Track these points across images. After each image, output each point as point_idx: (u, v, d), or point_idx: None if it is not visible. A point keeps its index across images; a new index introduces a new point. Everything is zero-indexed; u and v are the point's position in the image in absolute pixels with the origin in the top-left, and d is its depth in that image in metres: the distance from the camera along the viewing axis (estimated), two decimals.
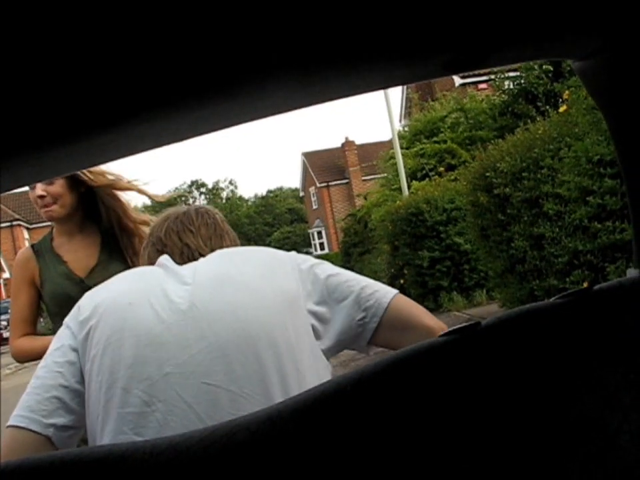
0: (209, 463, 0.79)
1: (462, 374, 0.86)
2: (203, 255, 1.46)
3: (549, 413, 0.85)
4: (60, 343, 1.31)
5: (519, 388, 0.86)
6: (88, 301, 1.35)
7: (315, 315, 1.35)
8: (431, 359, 0.88)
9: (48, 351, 1.33)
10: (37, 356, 2.56)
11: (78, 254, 2.52)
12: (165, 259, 1.42)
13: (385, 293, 1.45)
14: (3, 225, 37.63)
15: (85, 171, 2.42)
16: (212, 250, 1.47)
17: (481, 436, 0.83)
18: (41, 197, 2.45)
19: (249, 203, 74.96)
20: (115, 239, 2.57)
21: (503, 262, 7.71)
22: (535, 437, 0.84)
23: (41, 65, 0.62)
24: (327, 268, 1.48)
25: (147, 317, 1.25)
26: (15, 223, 37.73)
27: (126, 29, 0.60)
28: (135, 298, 1.29)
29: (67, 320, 1.35)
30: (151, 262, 1.48)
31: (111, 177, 2.49)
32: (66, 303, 2.42)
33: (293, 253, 1.49)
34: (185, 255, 1.48)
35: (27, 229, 37.90)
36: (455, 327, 0.90)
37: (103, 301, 1.32)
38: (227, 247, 1.51)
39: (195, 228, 1.52)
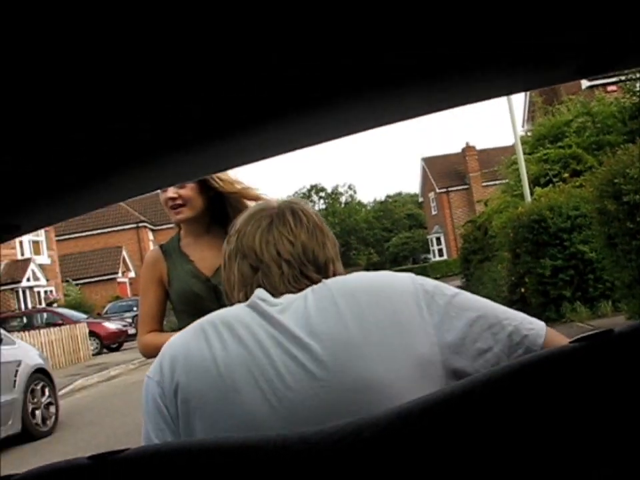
0: (338, 457, 0.81)
1: (593, 381, 0.84)
2: (306, 276, 1.30)
3: None
4: (154, 421, 1.19)
5: None
6: (180, 371, 1.18)
7: (454, 373, 1.18)
8: (562, 365, 0.86)
9: (144, 421, 1.22)
10: None
11: (204, 254, 2.60)
12: (261, 296, 1.24)
13: (534, 337, 1.22)
14: (129, 226, 39.25)
15: (215, 176, 2.51)
16: (315, 264, 1.31)
17: (611, 446, 0.80)
18: (172, 199, 2.56)
19: (368, 208, 75.14)
20: None
21: (631, 272, 7.43)
22: None
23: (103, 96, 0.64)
24: (465, 307, 1.24)
25: (254, 402, 1.12)
26: (140, 224, 39.32)
27: (236, 41, 0.61)
28: (239, 377, 1.13)
29: (155, 388, 1.20)
30: (244, 281, 1.32)
31: (239, 186, 2.57)
32: (193, 301, 2.53)
33: (422, 284, 1.26)
34: (286, 277, 1.29)
35: (152, 230, 39.42)
36: (585, 334, 0.87)
37: (199, 379, 1.15)
38: (330, 257, 1.34)
39: (294, 236, 1.31)
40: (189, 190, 2.56)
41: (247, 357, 1.15)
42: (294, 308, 1.21)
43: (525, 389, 0.84)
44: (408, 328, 1.18)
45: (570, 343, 0.88)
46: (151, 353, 2.67)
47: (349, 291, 1.22)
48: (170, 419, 1.17)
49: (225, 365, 1.15)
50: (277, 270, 1.29)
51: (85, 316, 26.03)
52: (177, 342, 1.23)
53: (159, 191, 2.58)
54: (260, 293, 1.25)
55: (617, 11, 0.79)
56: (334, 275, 1.33)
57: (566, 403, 0.83)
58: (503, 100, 15.86)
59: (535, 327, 1.24)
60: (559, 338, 1.24)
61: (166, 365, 1.19)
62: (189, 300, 2.54)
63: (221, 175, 2.52)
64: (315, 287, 1.25)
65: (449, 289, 1.28)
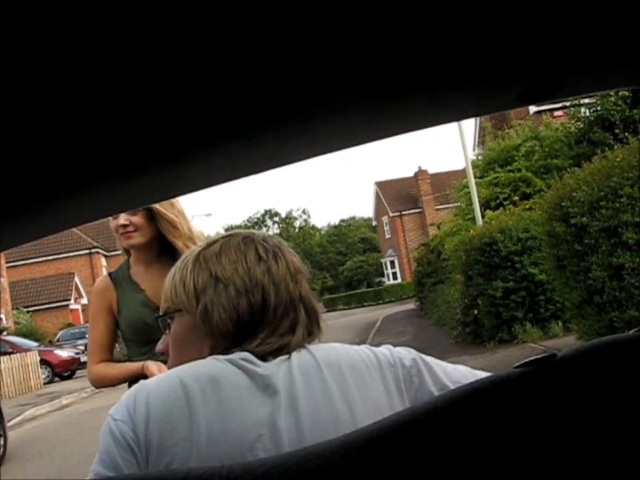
0: None
1: (537, 406, 0.85)
2: (284, 315, 1.23)
3: (625, 450, 0.83)
4: (119, 453, 1.10)
5: (594, 422, 0.84)
6: (155, 427, 1.10)
7: None
8: (506, 390, 0.87)
9: None
10: (113, 382, 2.63)
11: (155, 282, 2.58)
12: (248, 358, 1.17)
13: None
14: (81, 252, 38.68)
15: (156, 207, 2.51)
16: (291, 302, 1.25)
17: (555, 469, 0.82)
18: (124, 225, 2.54)
19: (322, 232, 75.24)
20: None
21: (580, 293, 7.54)
22: (610, 472, 0.81)
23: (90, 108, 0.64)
24: (438, 377, 1.24)
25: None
26: (93, 250, 38.77)
27: (196, 59, 0.62)
28: (224, 449, 1.07)
29: (126, 430, 1.11)
30: (238, 316, 1.21)
31: (171, 215, 2.56)
32: (142, 330, 2.50)
33: (401, 362, 1.25)
34: (271, 317, 1.22)
35: (105, 256, 38.89)
36: (530, 359, 0.89)
37: (178, 444, 1.08)
38: (305, 292, 1.29)
39: (268, 267, 1.25)
40: (140, 217, 2.55)
41: (235, 428, 1.09)
42: (282, 376, 1.16)
43: (470, 415, 0.85)
44: (383, 400, 1.17)
45: (515, 367, 0.89)
46: (101, 383, 2.65)
47: (335, 364, 1.19)
48: (138, 461, 1.09)
49: (208, 435, 1.08)
50: (258, 307, 1.22)
51: (36, 344, 25.48)
52: (152, 391, 1.14)
53: (109, 217, 2.56)
54: (246, 355, 1.18)
55: (558, 41, 0.81)
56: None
57: (511, 427, 0.84)
58: (454, 125, 16.08)
59: None
60: None
61: (140, 415, 1.11)
62: (139, 329, 2.52)
63: (166, 204, 2.52)
64: (298, 353, 1.21)
65: (425, 362, 1.27)
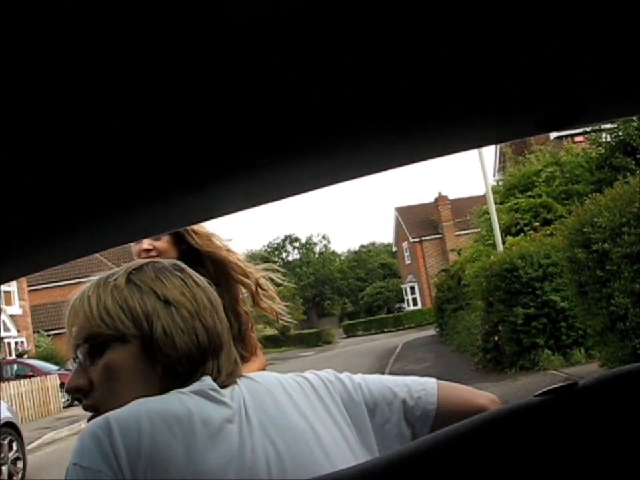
0: None
1: (557, 435, 0.84)
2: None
3: None
4: None
5: (616, 452, 0.83)
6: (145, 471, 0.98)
7: (368, 448, 1.19)
8: (527, 419, 0.86)
9: None
10: None
11: None
12: (211, 385, 1.13)
13: (427, 396, 1.27)
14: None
15: (190, 230, 2.51)
16: (230, 328, 1.27)
17: None
18: (147, 250, 2.54)
19: (342, 258, 75.16)
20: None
21: (602, 319, 7.47)
22: None
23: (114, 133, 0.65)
24: (361, 387, 1.28)
25: None
26: None
27: (215, 87, 0.62)
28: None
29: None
30: (198, 339, 1.15)
31: (217, 243, 2.56)
32: None
33: (326, 375, 1.29)
34: (225, 341, 1.22)
35: None
36: (551, 387, 0.88)
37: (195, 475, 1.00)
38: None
39: (206, 293, 1.24)
40: (164, 242, 2.55)
41: (227, 460, 1.05)
42: (240, 402, 1.14)
43: (492, 443, 0.84)
44: (336, 418, 1.20)
45: (535, 396, 0.88)
46: None
47: (277, 384, 1.22)
48: None
49: (203, 470, 1.01)
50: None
51: (56, 367, 25.56)
52: (128, 428, 1.01)
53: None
54: (209, 381, 1.13)
55: (578, 67, 0.81)
56: None
57: (532, 456, 0.83)
58: (474, 151, 16.07)
59: (425, 386, 1.29)
60: (453, 390, 1.32)
61: (122, 457, 0.98)
62: None
63: (196, 228, 2.52)
64: (241, 380, 1.20)
65: (348, 377, 1.30)
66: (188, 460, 1.00)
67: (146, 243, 2.53)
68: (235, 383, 1.19)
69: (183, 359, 1.14)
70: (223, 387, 1.15)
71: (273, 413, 1.14)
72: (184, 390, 1.10)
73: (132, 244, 2.59)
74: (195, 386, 1.11)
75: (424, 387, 1.29)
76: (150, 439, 1.00)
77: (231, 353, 1.21)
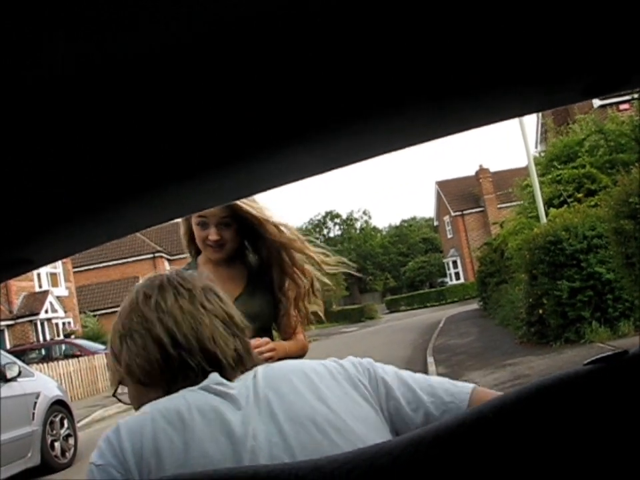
0: None
1: (608, 404, 0.83)
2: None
3: None
4: None
5: None
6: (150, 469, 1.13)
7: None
8: (576, 388, 0.85)
9: None
10: None
11: (224, 285, 2.61)
12: (217, 380, 1.24)
13: (455, 408, 1.26)
14: (145, 256, 39.39)
15: (260, 218, 2.54)
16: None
17: (627, 464, 0.79)
18: (216, 240, 2.56)
19: (383, 233, 75.13)
20: (260, 274, 2.67)
21: None
22: None
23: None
24: (395, 380, 1.29)
25: None
26: (156, 254, 39.43)
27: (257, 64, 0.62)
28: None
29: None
30: (160, 353, 1.27)
31: (287, 234, 2.59)
32: None
33: (360, 362, 1.32)
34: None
35: (168, 260, 39.48)
36: (600, 355, 0.87)
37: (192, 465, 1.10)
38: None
39: (156, 301, 1.33)
40: (232, 232, 2.58)
41: (223, 447, 1.12)
42: (246, 391, 1.22)
43: (540, 412, 0.84)
44: (358, 400, 1.23)
45: (585, 364, 0.87)
46: None
47: (300, 370, 1.26)
48: None
49: (203, 458, 1.11)
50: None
51: (102, 347, 26.01)
52: (133, 428, 1.19)
53: (177, 220, 2.59)
54: (215, 377, 1.24)
55: (624, 31, 0.79)
56: None
57: (582, 425, 0.82)
58: (515, 121, 15.88)
59: (457, 396, 1.28)
60: (488, 396, 1.26)
61: (128, 454, 1.15)
62: None
63: (262, 213, 2.54)
64: (260, 370, 1.28)
65: (381, 368, 1.32)
66: (186, 449, 1.11)
67: (214, 234, 2.55)
68: (249, 371, 1.28)
69: (152, 377, 1.29)
70: (230, 378, 1.25)
71: (286, 399, 1.19)
72: (193, 387, 1.22)
73: (197, 228, 2.59)
74: (204, 382, 1.22)
75: (454, 398, 1.28)
76: (152, 436, 1.14)
77: (226, 351, 1.29)
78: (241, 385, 1.23)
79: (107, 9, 0.48)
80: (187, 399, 1.18)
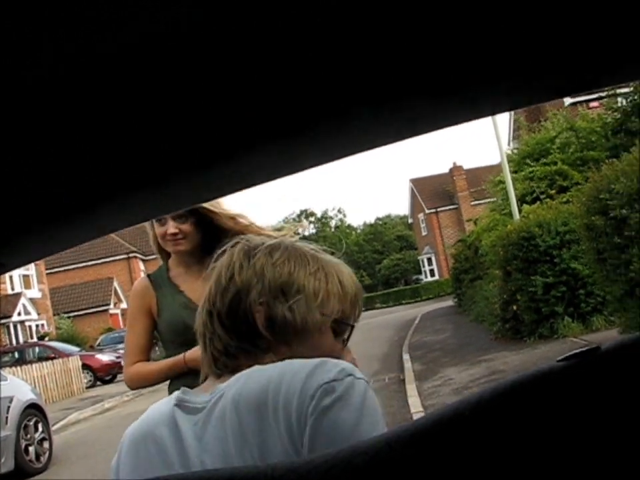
0: None
1: (581, 399, 0.84)
2: None
3: None
4: None
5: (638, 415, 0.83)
6: None
7: None
8: (550, 384, 0.86)
9: None
10: (151, 381, 2.63)
11: (195, 285, 2.60)
12: (179, 397, 1.19)
13: None
14: (119, 257, 39.15)
15: (212, 209, 2.51)
16: None
17: (600, 461, 0.81)
18: (174, 234, 2.55)
19: (358, 231, 75.22)
20: None
21: (621, 285, 7.45)
22: None
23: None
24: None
25: None
26: (131, 255, 39.21)
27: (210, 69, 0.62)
28: None
29: None
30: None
31: (243, 222, 2.57)
32: (183, 332, 2.47)
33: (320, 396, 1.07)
34: None
35: (143, 260, 39.27)
36: (573, 352, 0.88)
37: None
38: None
39: None
40: (189, 225, 2.56)
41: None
42: (214, 401, 1.13)
43: (515, 409, 0.84)
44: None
45: (558, 361, 0.88)
46: (138, 383, 2.65)
47: (241, 405, 1.09)
48: None
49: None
50: None
51: (77, 349, 25.88)
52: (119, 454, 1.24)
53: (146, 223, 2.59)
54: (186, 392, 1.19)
55: (593, 32, 0.80)
56: None
57: (557, 421, 0.83)
58: (488, 119, 15.98)
59: None
60: None
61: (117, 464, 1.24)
62: (179, 331, 2.51)
63: (217, 207, 2.52)
64: (228, 390, 1.13)
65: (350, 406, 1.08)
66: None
67: (172, 227, 2.54)
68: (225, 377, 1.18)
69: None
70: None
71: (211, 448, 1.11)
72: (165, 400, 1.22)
73: (156, 226, 2.59)
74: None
75: None
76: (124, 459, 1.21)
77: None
78: (210, 397, 1.15)
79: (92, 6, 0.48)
80: (153, 419, 1.19)
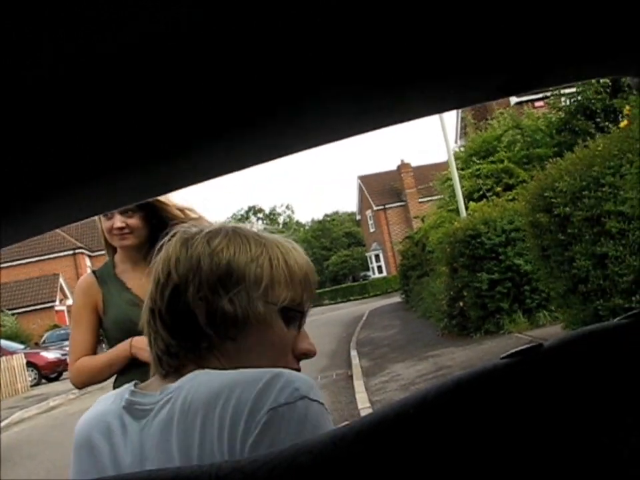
0: None
1: (524, 396, 0.85)
2: None
3: (612, 437, 0.83)
4: None
5: (582, 410, 0.84)
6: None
7: None
8: (494, 381, 0.87)
9: None
10: (97, 375, 2.54)
11: (142, 281, 2.56)
12: (127, 398, 1.14)
13: None
14: (65, 252, 38.50)
15: (159, 204, 2.48)
16: None
17: (545, 458, 0.82)
18: (120, 228, 2.51)
19: (306, 228, 75.23)
20: None
21: (565, 282, 7.58)
22: (600, 461, 0.82)
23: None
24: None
25: None
26: (77, 250, 38.59)
27: (185, 55, 0.61)
28: None
29: None
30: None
31: (191, 215, 2.54)
32: (129, 329, 2.44)
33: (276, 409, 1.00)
34: None
35: (89, 256, 38.69)
36: (516, 349, 0.89)
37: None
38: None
39: None
40: (136, 219, 2.53)
41: None
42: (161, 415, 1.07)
43: (459, 407, 0.85)
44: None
45: (502, 358, 0.89)
46: (84, 380, 2.58)
47: (188, 415, 1.03)
48: None
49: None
50: None
51: (21, 346, 25.41)
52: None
53: (95, 217, 2.55)
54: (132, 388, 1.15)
55: (537, 32, 0.81)
56: None
57: (500, 419, 0.84)
58: (435, 117, 16.13)
59: None
60: None
61: None
62: (126, 328, 2.46)
63: (165, 201, 2.50)
64: (177, 394, 1.07)
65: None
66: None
67: (119, 221, 2.50)
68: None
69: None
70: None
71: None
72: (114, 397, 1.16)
73: (103, 220, 2.55)
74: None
75: None
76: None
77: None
78: (159, 395, 1.09)
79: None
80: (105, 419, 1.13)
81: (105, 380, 2.58)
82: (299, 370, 1.17)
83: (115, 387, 2.55)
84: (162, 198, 2.49)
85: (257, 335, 1.14)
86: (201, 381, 1.06)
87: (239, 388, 1.01)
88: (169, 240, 1.21)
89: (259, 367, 1.07)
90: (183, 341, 1.12)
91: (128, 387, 1.16)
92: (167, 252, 1.18)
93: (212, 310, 1.11)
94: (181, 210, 2.52)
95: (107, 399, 1.17)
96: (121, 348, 2.47)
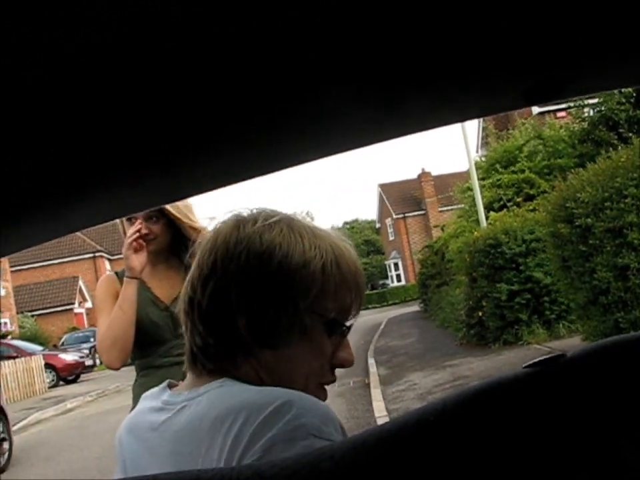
0: None
1: (545, 406, 0.84)
2: None
3: (633, 448, 0.82)
4: None
5: (603, 421, 0.84)
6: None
7: None
8: (515, 391, 0.86)
9: None
10: (115, 327, 2.50)
11: (162, 282, 2.63)
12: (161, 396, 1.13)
13: None
14: (85, 256, 38.73)
15: (172, 211, 2.55)
16: None
17: (564, 470, 0.81)
18: (145, 234, 2.58)
19: None
20: None
21: (585, 294, 7.53)
22: (619, 471, 0.81)
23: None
24: None
25: None
26: (97, 254, 38.80)
27: (195, 62, 0.61)
28: None
29: None
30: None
31: (193, 221, 2.61)
32: (148, 329, 2.50)
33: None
34: None
35: (109, 259, 38.89)
36: (538, 359, 0.88)
37: None
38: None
39: None
40: (160, 226, 2.60)
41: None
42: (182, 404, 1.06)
43: (479, 416, 0.85)
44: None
45: (523, 367, 0.89)
46: (107, 343, 2.50)
47: (202, 426, 1.00)
48: None
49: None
50: None
51: (40, 348, 25.54)
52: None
53: (117, 220, 2.60)
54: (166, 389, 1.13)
55: (561, 41, 0.81)
56: None
57: (521, 428, 0.83)
58: (457, 126, 16.10)
59: None
60: None
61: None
62: (145, 328, 2.52)
63: (181, 214, 2.57)
64: (193, 405, 1.05)
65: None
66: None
67: (144, 227, 2.55)
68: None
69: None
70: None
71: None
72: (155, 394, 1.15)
73: (126, 224, 2.61)
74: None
75: None
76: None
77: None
78: (184, 398, 1.07)
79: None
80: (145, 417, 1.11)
81: (127, 323, 2.52)
82: (334, 381, 1.12)
83: (133, 390, 2.58)
84: (179, 212, 2.56)
85: (298, 346, 1.07)
86: (222, 394, 1.02)
87: (247, 411, 0.96)
88: (223, 222, 1.11)
89: (293, 379, 1.05)
90: (219, 342, 1.06)
91: (165, 384, 1.14)
92: (217, 235, 1.09)
93: (254, 317, 1.05)
94: (195, 229, 2.57)
95: (150, 397, 1.15)
96: (125, 284, 2.54)
